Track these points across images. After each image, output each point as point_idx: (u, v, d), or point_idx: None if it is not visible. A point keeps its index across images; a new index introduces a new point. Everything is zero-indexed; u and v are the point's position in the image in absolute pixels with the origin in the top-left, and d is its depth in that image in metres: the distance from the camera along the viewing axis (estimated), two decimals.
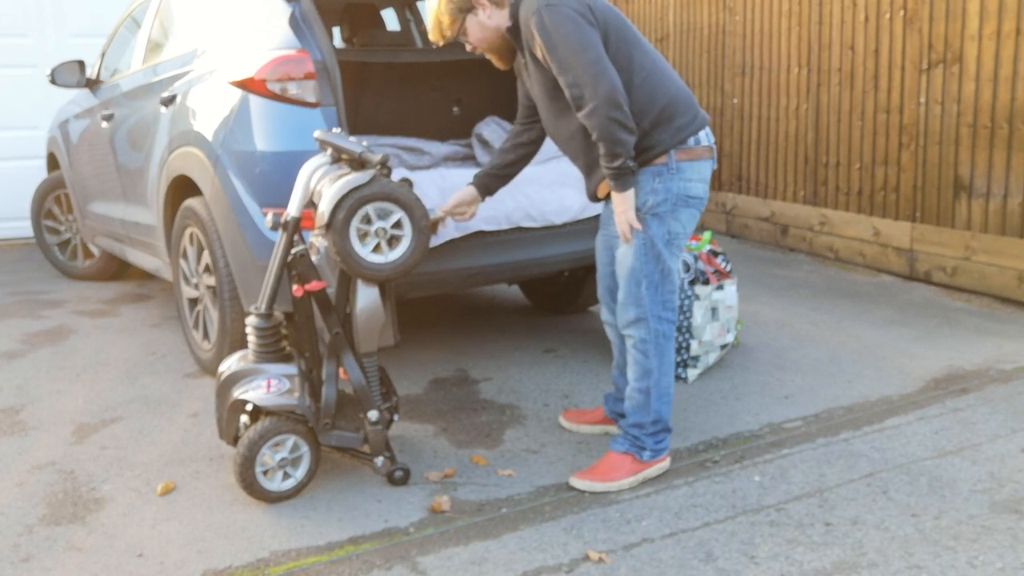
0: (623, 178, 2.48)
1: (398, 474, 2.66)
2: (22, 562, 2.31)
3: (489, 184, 2.91)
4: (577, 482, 2.62)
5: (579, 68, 2.40)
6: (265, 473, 2.56)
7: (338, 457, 2.83)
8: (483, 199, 2.93)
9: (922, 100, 4.79)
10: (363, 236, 2.54)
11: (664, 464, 2.69)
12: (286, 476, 2.59)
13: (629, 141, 2.43)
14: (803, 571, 2.15)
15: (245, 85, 3.20)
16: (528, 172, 3.42)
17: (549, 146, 3.70)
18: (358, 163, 2.57)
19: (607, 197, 2.68)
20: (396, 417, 2.82)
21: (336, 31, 5.15)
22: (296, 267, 2.56)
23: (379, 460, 2.63)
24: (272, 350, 2.62)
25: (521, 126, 2.90)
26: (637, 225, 2.53)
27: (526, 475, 2.72)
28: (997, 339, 3.87)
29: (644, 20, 7.28)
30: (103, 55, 5.11)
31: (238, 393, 2.57)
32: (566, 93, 2.47)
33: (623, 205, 2.52)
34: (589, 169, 2.66)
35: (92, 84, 5.02)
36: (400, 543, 2.35)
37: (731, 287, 3.60)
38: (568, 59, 2.41)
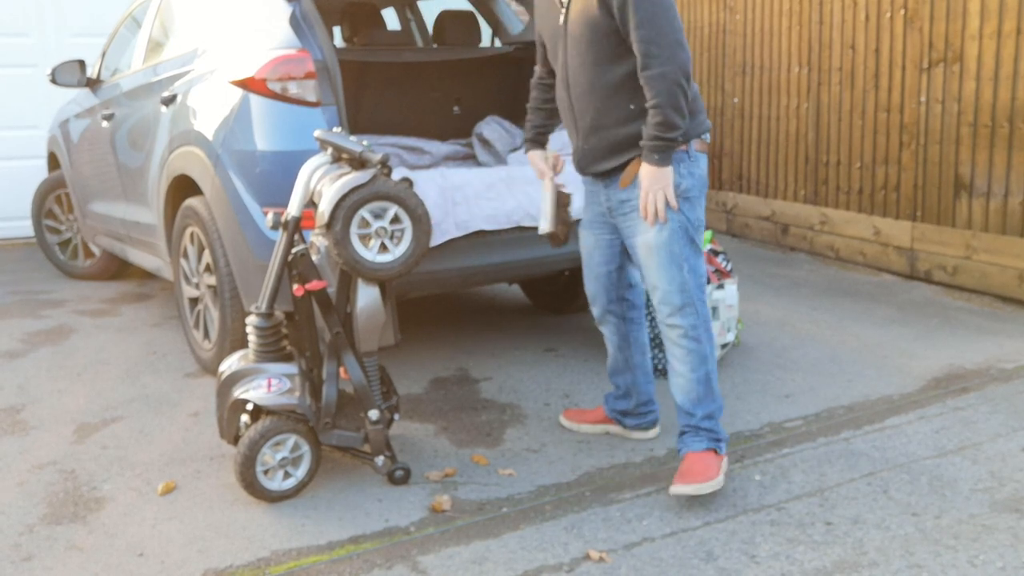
0: (668, 151, 2.42)
1: (399, 473, 2.66)
2: (23, 561, 2.31)
3: (541, 140, 2.90)
4: (682, 488, 2.45)
5: (666, 27, 2.35)
6: (266, 472, 2.56)
7: (339, 456, 2.83)
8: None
9: (923, 99, 4.79)
10: (366, 239, 2.54)
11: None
12: (287, 475, 2.59)
13: (685, 115, 2.41)
14: (804, 570, 2.15)
15: (246, 84, 3.20)
16: (528, 172, 3.42)
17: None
18: (358, 162, 2.57)
19: (612, 174, 2.57)
20: (396, 416, 2.82)
21: (337, 30, 5.15)
22: (297, 266, 2.56)
23: (379, 459, 2.63)
24: (273, 349, 2.62)
25: (545, 83, 2.86)
26: (674, 203, 2.45)
27: (527, 474, 2.72)
28: (998, 338, 3.87)
29: None
30: (103, 55, 5.11)
31: (239, 392, 2.57)
32: (637, 46, 2.38)
33: (663, 181, 2.44)
34: (596, 130, 2.56)
35: (92, 84, 5.02)
36: (401, 542, 2.35)
37: (732, 286, 3.60)
38: (657, 15, 2.36)
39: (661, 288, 2.54)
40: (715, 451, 2.56)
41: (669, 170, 2.44)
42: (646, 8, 2.37)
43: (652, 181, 2.45)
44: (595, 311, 2.88)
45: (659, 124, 2.39)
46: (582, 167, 2.67)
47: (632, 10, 2.38)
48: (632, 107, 2.50)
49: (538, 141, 2.88)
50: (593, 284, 2.83)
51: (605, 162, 2.59)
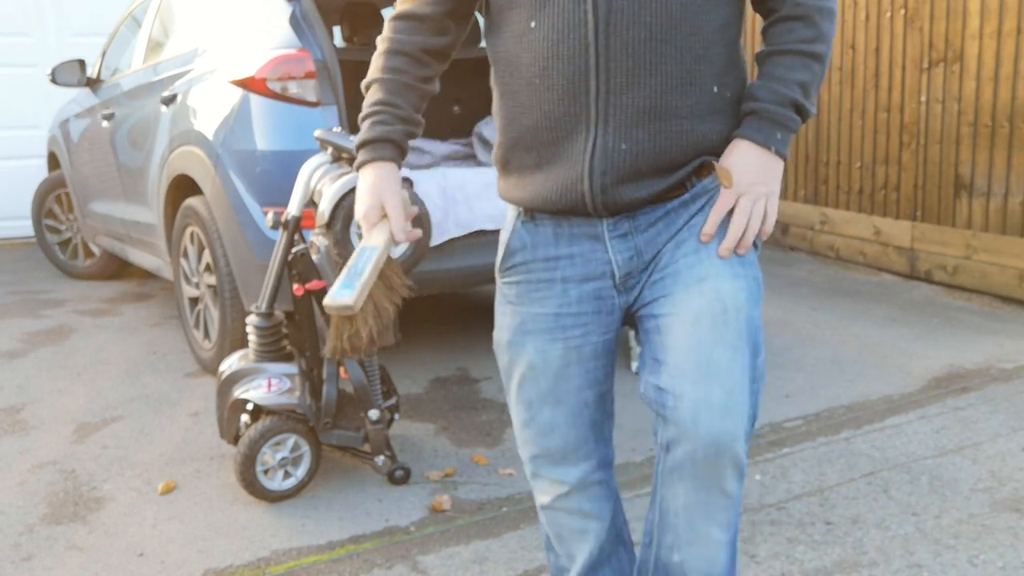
0: (794, 128, 1.38)
1: (399, 473, 2.66)
2: (23, 561, 2.31)
3: (404, 147, 1.56)
4: None
5: None
6: (266, 472, 2.56)
7: (339, 456, 2.84)
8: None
9: (923, 99, 4.79)
10: None
11: None
12: (287, 475, 2.59)
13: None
14: (804, 570, 2.15)
15: (246, 84, 3.20)
16: None
17: None
18: None
19: (692, 176, 1.41)
20: (397, 416, 2.82)
21: (337, 30, 5.15)
22: (297, 266, 2.57)
23: (380, 459, 2.63)
24: (273, 349, 2.62)
25: (425, 49, 1.55)
26: (768, 229, 1.41)
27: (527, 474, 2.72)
28: (998, 338, 3.87)
29: None
30: (104, 54, 5.11)
31: (239, 392, 2.57)
32: None
33: (773, 182, 1.39)
34: (658, 117, 1.34)
35: (93, 83, 5.02)
36: (401, 542, 2.35)
37: None
38: None
39: (727, 387, 1.33)
40: None
41: (782, 165, 1.40)
42: None
43: (758, 173, 1.38)
44: (569, 476, 1.58)
45: (803, 86, 1.38)
46: (605, 187, 1.38)
47: None
48: (716, 89, 1.39)
49: (401, 148, 1.55)
50: (569, 428, 1.53)
51: (655, 181, 1.39)
